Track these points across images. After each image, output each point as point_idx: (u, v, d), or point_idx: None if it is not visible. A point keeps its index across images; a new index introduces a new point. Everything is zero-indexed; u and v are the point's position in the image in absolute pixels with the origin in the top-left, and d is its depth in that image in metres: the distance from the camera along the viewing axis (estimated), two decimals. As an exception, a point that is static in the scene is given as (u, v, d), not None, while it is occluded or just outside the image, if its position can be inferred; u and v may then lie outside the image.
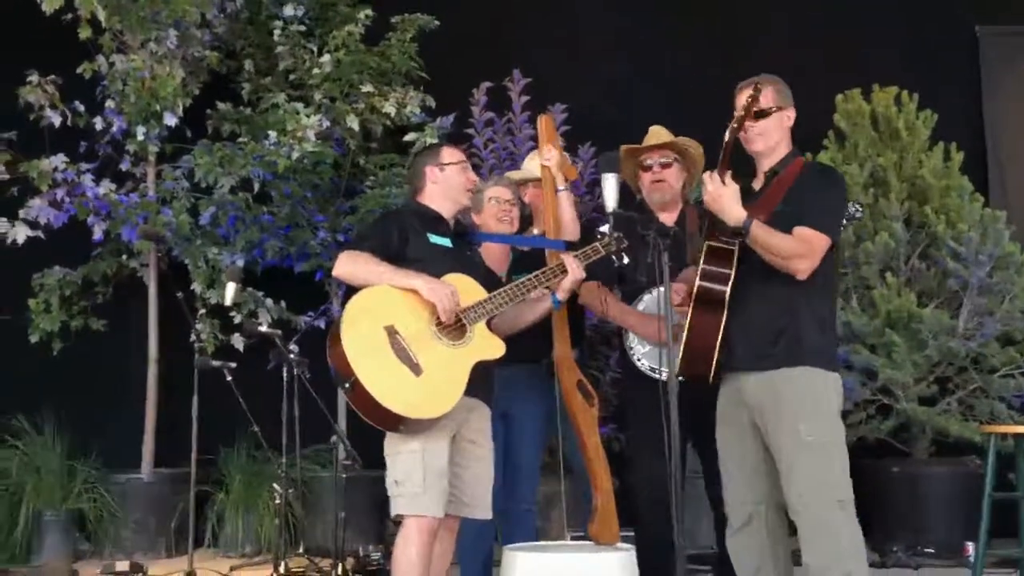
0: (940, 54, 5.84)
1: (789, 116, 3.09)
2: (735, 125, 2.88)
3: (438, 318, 3.01)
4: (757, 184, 3.11)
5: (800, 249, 2.92)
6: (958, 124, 5.47)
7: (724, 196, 2.88)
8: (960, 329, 4.82)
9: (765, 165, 3.09)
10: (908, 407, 4.83)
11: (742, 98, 3.02)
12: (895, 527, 4.74)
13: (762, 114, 3.02)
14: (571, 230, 3.60)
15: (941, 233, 4.84)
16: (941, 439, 4.95)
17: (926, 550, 4.59)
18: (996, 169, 5.78)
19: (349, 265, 3.07)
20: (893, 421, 4.91)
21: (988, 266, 4.80)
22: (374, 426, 2.96)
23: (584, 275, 3.28)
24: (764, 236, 2.90)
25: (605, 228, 3.35)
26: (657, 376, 3.47)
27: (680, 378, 3.07)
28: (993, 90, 5.88)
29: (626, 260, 3.33)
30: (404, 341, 2.95)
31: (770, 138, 3.06)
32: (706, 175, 2.93)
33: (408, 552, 2.94)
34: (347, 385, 2.88)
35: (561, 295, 3.30)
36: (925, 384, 4.88)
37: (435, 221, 3.25)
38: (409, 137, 5.08)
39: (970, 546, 4.35)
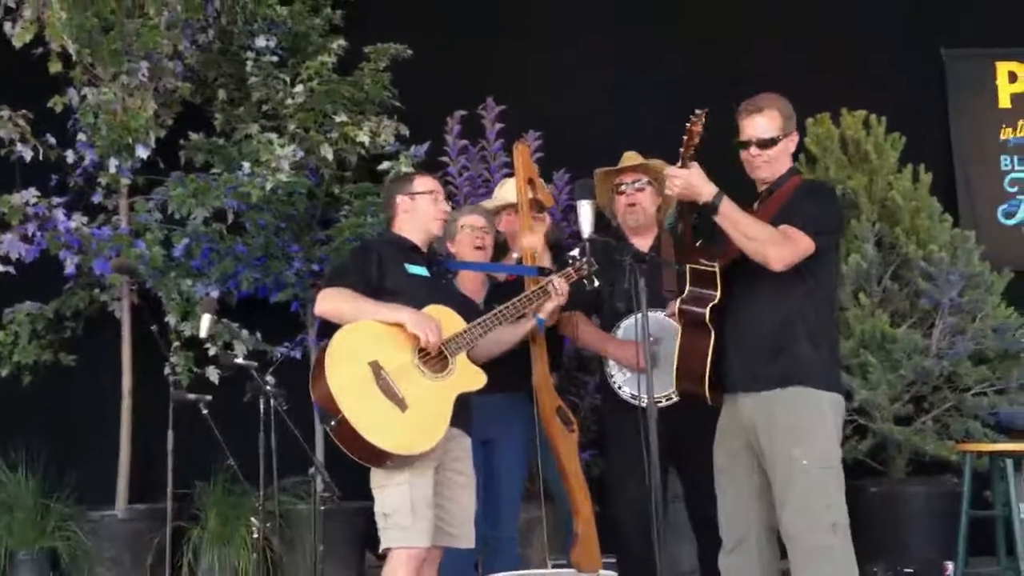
0: (907, 77, 5.93)
1: (793, 140, 3.09)
2: (682, 150, 2.89)
3: (420, 351, 3.00)
4: (757, 204, 3.12)
5: (775, 237, 2.87)
6: (926, 146, 5.55)
7: (689, 176, 2.86)
8: (933, 348, 4.86)
9: (765, 185, 3.11)
10: (884, 427, 4.85)
11: (751, 122, 3.02)
12: (874, 547, 4.74)
13: (770, 143, 3.02)
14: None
15: (912, 254, 4.89)
16: (918, 458, 4.98)
17: (906, 570, 4.60)
18: (964, 190, 5.87)
19: (332, 302, 3.06)
20: (870, 441, 4.93)
21: (959, 286, 4.86)
22: (359, 462, 2.94)
23: (567, 297, 3.30)
24: (735, 215, 2.87)
25: (575, 252, 3.37)
26: (638, 403, 3.47)
27: (675, 397, 3.08)
28: (959, 111, 5.98)
29: (596, 283, 3.34)
30: (389, 376, 2.94)
31: (776, 166, 3.06)
32: (668, 169, 2.93)
33: (395, 583, 2.92)
34: (333, 423, 2.86)
35: (546, 316, 3.31)
36: (900, 404, 4.91)
37: (411, 251, 3.25)
38: (384, 166, 5.07)
39: (949, 565, 4.37)
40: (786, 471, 2.89)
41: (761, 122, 3.02)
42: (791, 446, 2.89)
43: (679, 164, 2.92)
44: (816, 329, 2.98)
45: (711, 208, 2.87)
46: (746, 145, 3.04)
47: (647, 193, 3.79)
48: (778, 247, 2.86)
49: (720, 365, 3.00)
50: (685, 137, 2.84)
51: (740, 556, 3.05)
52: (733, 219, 2.87)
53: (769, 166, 3.05)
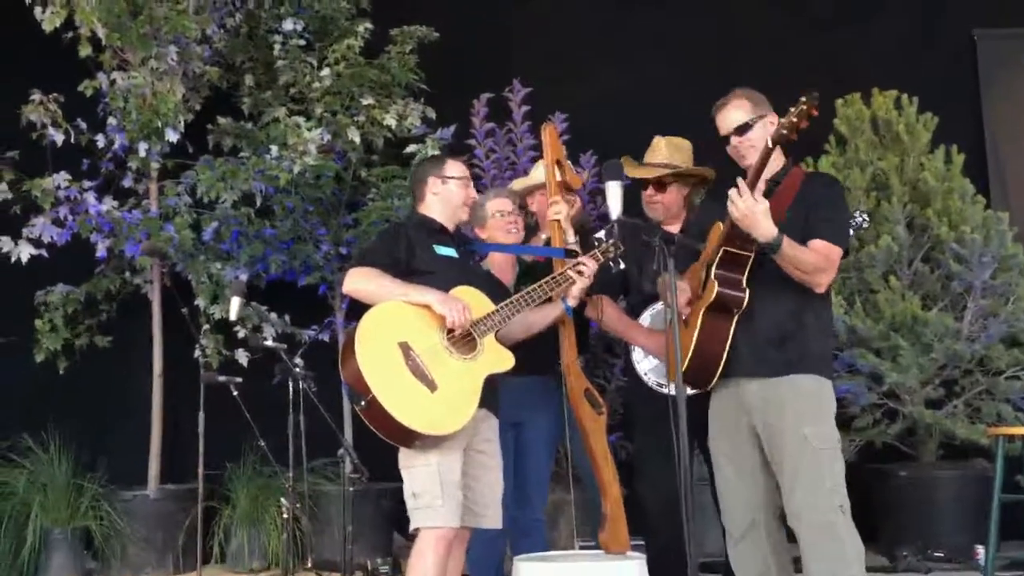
0: (939, 57, 5.86)
1: (772, 122, 3.05)
2: (785, 132, 2.79)
3: (449, 332, 3.01)
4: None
5: (823, 264, 2.95)
6: (958, 126, 5.48)
7: (756, 212, 2.83)
8: (965, 332, 4.81)
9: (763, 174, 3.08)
10: (915, 410, 4.82)
11: (723, 118, 3.06)
12: (904, 531, 4.73)
13: (745, 127, 3.04)
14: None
15: (944, 236, 4.84)
16: (948, 442, 4.94)
17: (936, 554, 4.57)
18: (996, 170, 5.80)
19: (360, 282, 3.07)
20: (900, 425, 4.90)
21: (991, 268, 4.80)
22: (388, 441, 2.96)
23: (592, 280, 3.29)
24: (794, 252, 2.89)
25: (601, 234, 3.35)
26: (664, 391, 3.46)
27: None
28: (991, 92, 5.90)
29: (622, 266, 3.32)
30: (418, 357, 2.95)
31: (760, 149, 3.01)
32: (733, 192, 2.87)
33: (424, 563, 2.94)
34: (363, 403, 2.88)
35: (572, 301, 3.31)
36: (931, 387, 4.87)
37: (439, 232, 3.26)
38: (410, 149, 5.08)
39: (980, 549, 4.34)
40: (797, 450, 2.90)
41: (731, 112, 3.08)
42: (801, 425, 2.90)
43: (748, 181, 2.86)
44: (824, 318, 3.05)
45: (771, 248, 2.87)
46: (727, 139, 3.07)
47: (669, 192, 3.74)
48: (824, 272, 2.96)
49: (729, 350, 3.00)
50: (795, 119, 2.77)
51: (751, 544, 3.04)
52: (792, 257, 2.90)
53: (755, 151, 3.02)
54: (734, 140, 3.07)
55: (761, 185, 3.02)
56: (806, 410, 2.93)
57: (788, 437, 2.91)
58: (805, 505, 2.88)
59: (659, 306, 3.61)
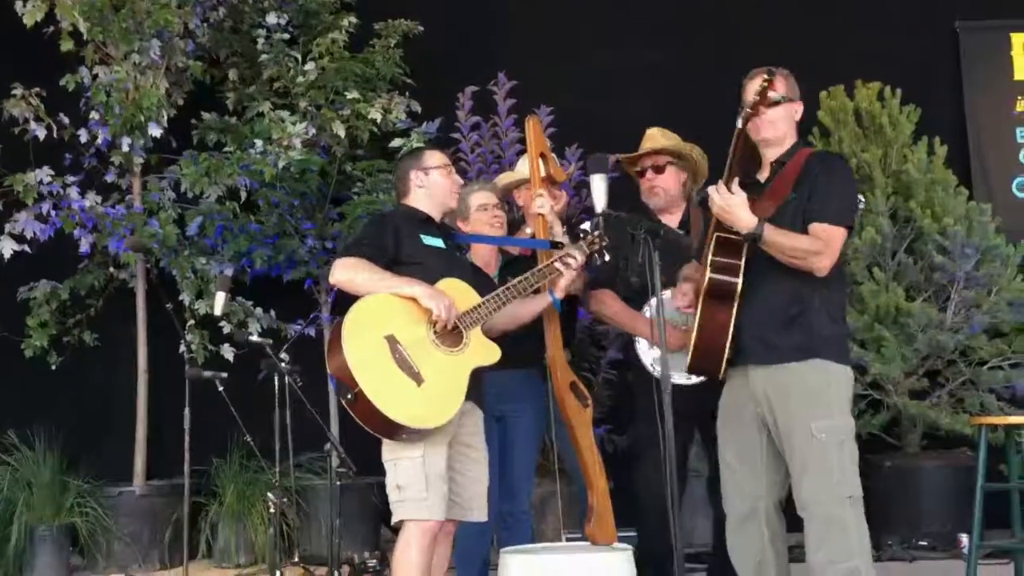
0: (921, 49, 5.87)
1: (797, 110, 3.09)
2: (749, 111, 2.83)
3: (435, 325, 3.01)
4: (763, 176, 3.09)
5: (816, 247, 2.91)
6: (941, 118, 5.51)
7: (734, 206, 2.86)
8: (948, 322, 4.84)
9: (771, 156, 3.08)
10: (899, 401, 4.85)
11: (752, 87, 3.02)
12: (889, 521, 4.76)
13: (773, 102, 3.02)
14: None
15: (927, 227, 4.87)
16: (932, 432, 4.98)
17: (920, 543, 4.61)
18: (978, 162, 5.82)
19: (347, 272, 3.06)
20: (884, 415, 4.93)
21: (974, 259, 4.84)
22: (373, 434, 2.96)
23: (578, 272, 3.29)
24: (779, 239, 2.89)
25: (586, 226, 3.35)
26: (670, 380, 3.47)
27: (692, 377, 3.06)
28: (973, 84, 5.92)
29: (607, 258, 3.33)
30: (404, 350, 2.95)
31: (779, 128, 3.05)
32: (711, 189, 2.90)
33: (409, 556, 2.94)
34: (350, 396, 2.87)
35: (559, 293, 3.31)
36: (915, 378, 4.90)
37: (426, 222, 3.26)
38: (395, 143, 5.07)
39: (964, 538, 4.37)
40: (804, 444, 2.89)
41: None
42: (808, 419, 2.89)
43: (725, 176, 2.87)
44: (833, 301, 3.00)
45: (753, 238, 2.87)
46: (750, 115, 3.03)
47: (668, 174, 3.77)
48: (821, 256, 2.91)
49: (734, 338, 2.99)
50: (757, 97, 2.81)
51: (749, 532, 3.04)
52: (778, 244, 2.90)
53: (772, 126, 3.03)
54: (760, 109, 3.01)
55: (765, 172, 3.05)
56: (813, 403, 2.91)
57: (795, 430, 2.91)
58: (812, 498, 2.90)
59: (667, 294, 3.60)
